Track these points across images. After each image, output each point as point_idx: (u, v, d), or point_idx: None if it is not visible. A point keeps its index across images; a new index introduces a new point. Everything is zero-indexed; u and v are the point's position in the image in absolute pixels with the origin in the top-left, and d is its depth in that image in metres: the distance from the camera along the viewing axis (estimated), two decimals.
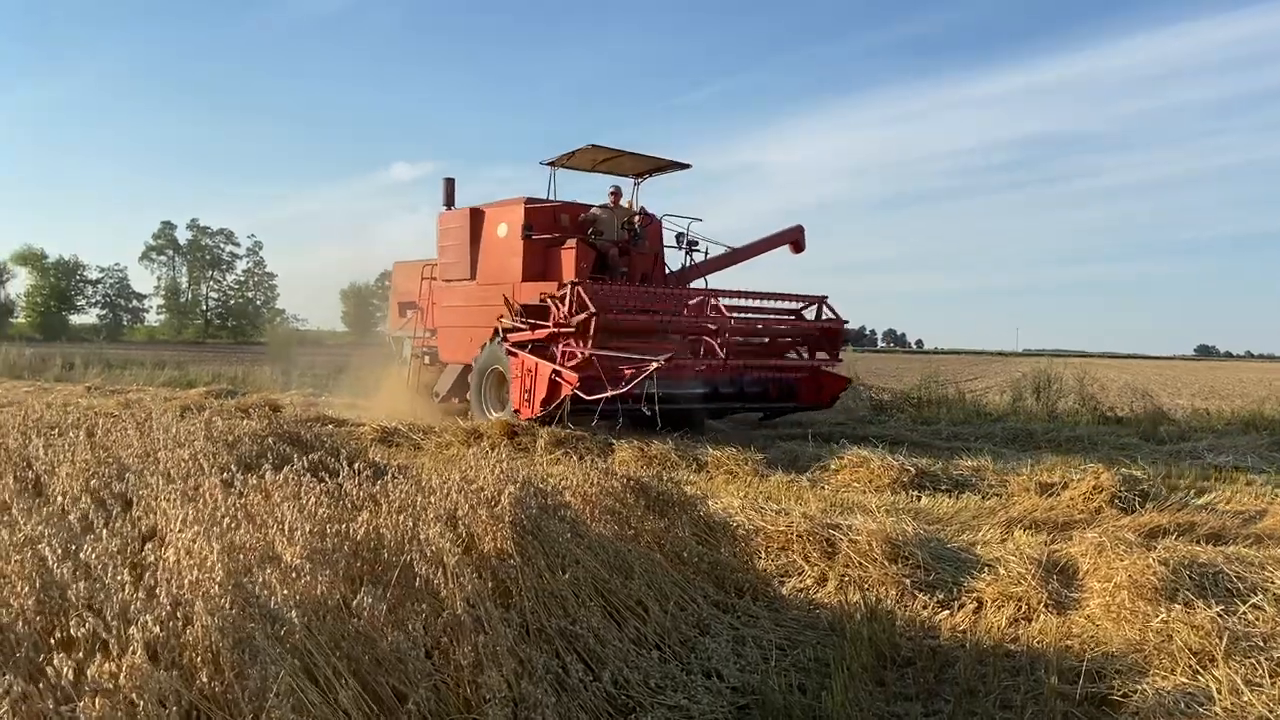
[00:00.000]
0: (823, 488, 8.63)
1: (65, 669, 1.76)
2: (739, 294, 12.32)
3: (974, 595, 5.16)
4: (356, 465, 3.76)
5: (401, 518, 2.89)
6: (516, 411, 11.28)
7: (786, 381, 12.65)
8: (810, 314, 12.75)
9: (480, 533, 3.07)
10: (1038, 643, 4.41)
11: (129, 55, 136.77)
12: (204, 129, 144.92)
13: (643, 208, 13.61)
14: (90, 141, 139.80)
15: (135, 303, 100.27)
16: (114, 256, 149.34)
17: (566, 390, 10.35)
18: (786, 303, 12.61)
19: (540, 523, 3.28)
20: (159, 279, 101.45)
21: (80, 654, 1.84)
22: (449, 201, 14.35)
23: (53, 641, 1.93)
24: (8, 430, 4.80)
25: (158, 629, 1.93)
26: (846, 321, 12.78)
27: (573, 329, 10.54)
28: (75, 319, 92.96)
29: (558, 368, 10.54)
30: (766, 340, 12.89)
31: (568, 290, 10.76)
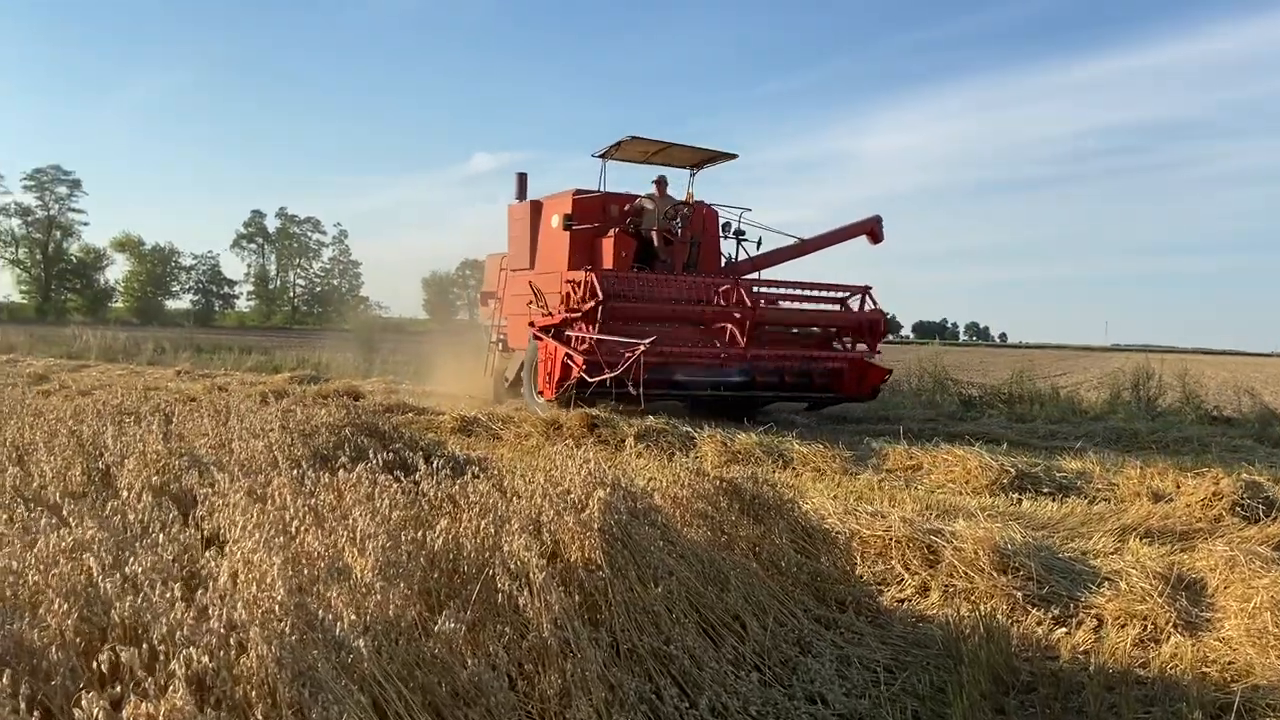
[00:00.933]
0: (916, 488, 8.22)
1: (95, 711, 1.55)
2: (775, 284, 12.54)
3: (1093, 612, 4.75)
4: (435, 461, 3.53)
5: (484, 522, 2.66)
6: (540, 393, 11.76)
7: (829, 371, 12.46)
8: (854, 306, 12.62)
9: (567, 540, 2.83)
10: (1171, 669, 4.00)
11: (226, 50, 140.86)
12: (295, 120, 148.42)
13: (690, 195, 13.66)
14: (187, 133, 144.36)
15: (226, 289, 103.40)
16: (207, 244, 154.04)
17: (575, 372, 10.70)
18: (831, 294, 12.65)
19: (630, 529, 3.02)
20: (249, 266, 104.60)
21: (119, 688, 1.63)
22: (520, 195, 14.66)
23: (95, 669, 1.73)
24: (85, 416, 4.72)
25: (206, 658, 1.72)
26: (889, 314, 12.61)
27: (581, 314, 10.89)
28: (170, 304, 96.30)
29: (569, 351, 10.91)
30: (815, 330, 12.91)
31: (580, 277, 11.09)
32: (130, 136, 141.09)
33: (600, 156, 13.40)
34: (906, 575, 5.23)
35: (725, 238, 13.78)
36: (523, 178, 14.76)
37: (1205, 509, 7.38)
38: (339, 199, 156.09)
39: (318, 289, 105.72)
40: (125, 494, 2.83)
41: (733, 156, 13.97)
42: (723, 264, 13.77)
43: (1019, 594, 4.88)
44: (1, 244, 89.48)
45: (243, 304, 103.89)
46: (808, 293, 12.54)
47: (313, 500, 2.73)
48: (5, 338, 28.28)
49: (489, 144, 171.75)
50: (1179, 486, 8.14)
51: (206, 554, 2.29)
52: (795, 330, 12.95)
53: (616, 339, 10.51)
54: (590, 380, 10.58)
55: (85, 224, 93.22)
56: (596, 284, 10.79)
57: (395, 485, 2.93)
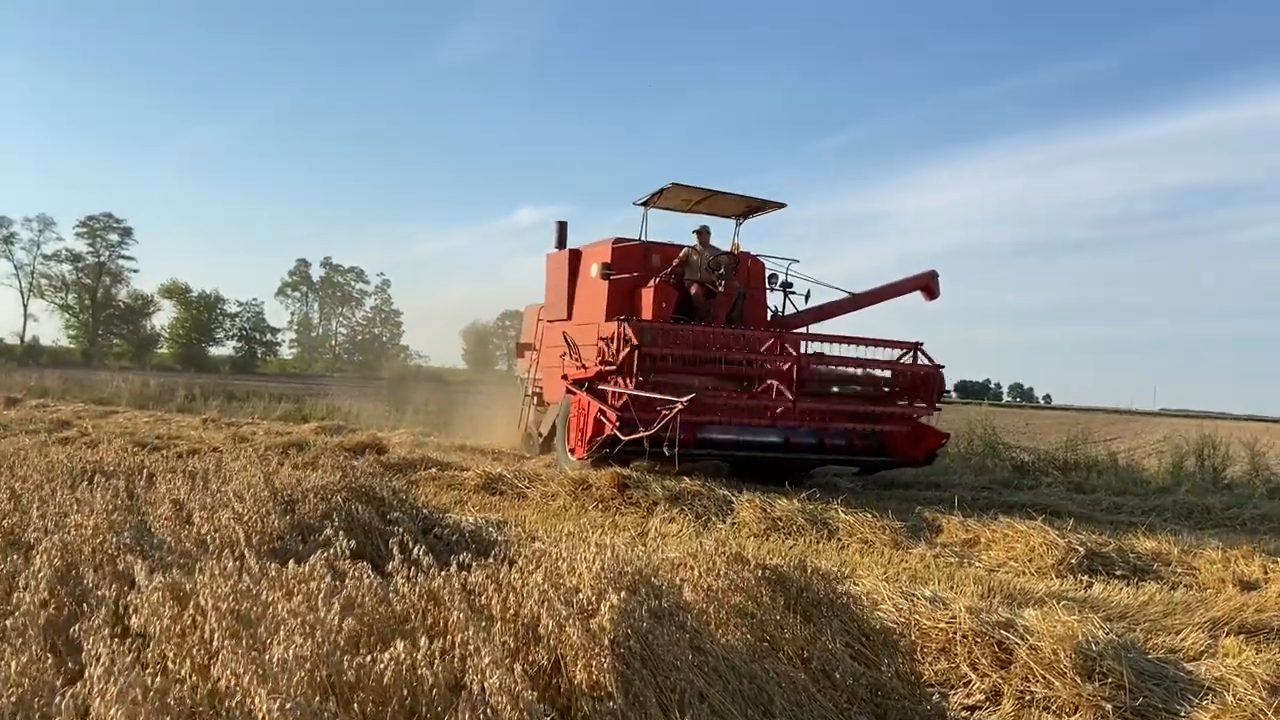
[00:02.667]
0: (974, 564, 7.53)
1: None
2: (822, 338, 11.84)
3: None
4: (418, 547, 2.96)
5: (460, 638, 2.09)
6: (572, 450, 11.22)
7: (874, 433, 11.57)
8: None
9: (570, 657, 2.26)
10: None
11: (277, 103, 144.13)
12: (342, 172, 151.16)
13: (735, 246, 13.17)
14: (236, 183, 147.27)
15: (269, 336, 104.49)
16: (252, 291, 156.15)
17: (609, 429, 10.17)
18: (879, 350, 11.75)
19: (651, 639, 2.44)
20: (292, 314, 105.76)
21: None
22: (560, 244, 14.22)
23: None
24: (55, 473, 4.24)
25: None
26: (943, 366, 11.59)
27: (616, 368, 10.39)
28: (213, 350, 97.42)
29: (603, 407, 10.40)
30: (867, 389, 12.10)
31: (614, 328, 10.59)
32: (181, 185, 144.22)
33: (642, 204, 12.94)
34: (974, 677, 4.56)
35: (772, 290, 13.22)
36: (562, 226, 14.36)
37: None
38: (384, 249, 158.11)
39: (359, 337, 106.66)
40: (23, 590, 2.30)
41: (781, 206, 13.46)
42: (769, 317, 13.20)
43: (1108, 705, 4.19)
44: (52, 289, 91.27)
45: (285, 351, 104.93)
46: (856, 349, 11.64)
47: (243, 607, 2.19)
48: (41, 382, 28.33)
49: (533, 198, 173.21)
50: (1267, 573, 7.41)
51: (65, 693, 1.75)
52: (844, 389, 12.20)
53: (652, 395, 9.96)
54: (624, 438, 10.00)
55: (135, 271, 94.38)
56: (632, 336, 10.23)
57: (362, 581, 2.39)
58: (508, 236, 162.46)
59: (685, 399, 9.48)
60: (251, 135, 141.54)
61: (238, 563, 2.52)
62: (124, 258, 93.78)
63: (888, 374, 11.81)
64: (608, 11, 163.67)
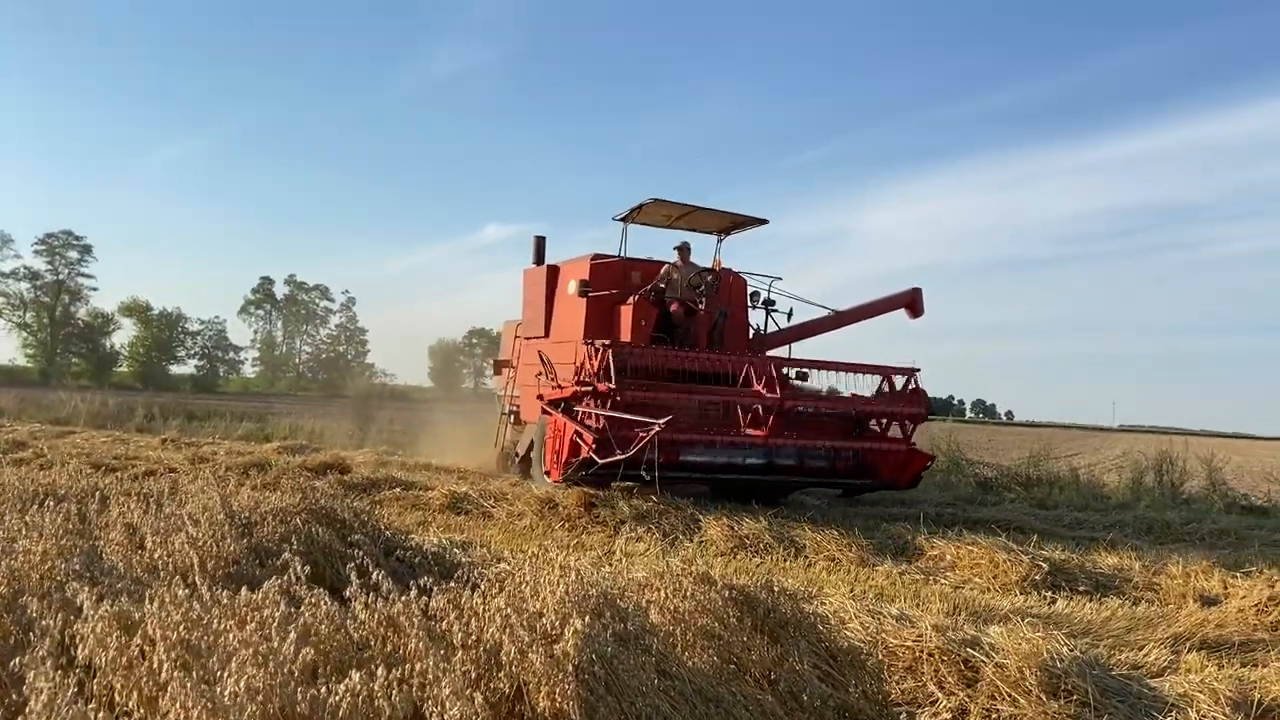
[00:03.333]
0: (940, 582, 7.55)
1: None
2: (810, 364, 11.43)
3: None
4: (393, 559, 2.90)
5: (420, 666, 2.04)
6: (547, 473, 10.90)
7: (856, 455, 11.36)
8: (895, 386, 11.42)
9: (533, 684, 2.21)
10: None
11: (240, 120, 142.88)
12: (307, 190, 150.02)
13: (717, 263, 12.92)
14: (199, 200, 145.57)
15: (232, 354, 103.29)
16: (214, 309, 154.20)
17: (585, 451, 9.80)
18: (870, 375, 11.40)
19: (616, 664, 2.40)
20: (255, 332, 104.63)
21: None
22: (539, 259, 13.81)
23: None
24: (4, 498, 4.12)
25: None
26: (925, 392, 11.43)
27: (591, 389, 10.07)
28: (175, 369, 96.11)
29: (579, 428, 10.02)
30: (848, 413, 11.65)
31: (590, 348, 10.28)
32: (142, 202, 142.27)
33: (621, 220, 12.64)
34: (941, 696, 4.53)
35: (754, 308, 12.97)
36: (540, 241, 13.94)
37: (1261, 615, 6.72)
38: (349, 267, 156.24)
39: (323, 356, 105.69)
40: None
41: (763, 222, 13.21)
42: (751, 336, 12.93)
43: None
44: (9, 307, 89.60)
45: (248, 370, 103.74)
46: (843, 373, 11.30)
47: (194, 636, 2.12)
48: None
49: (502, 215, 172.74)
50: (1227, 588, 7.49)
51: None
52: (828, 412, 11.75)
53: (629, 417, 9.63)
54: (600, 460, 9.65)
55: (94, 289, 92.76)
56: (610, 356, 9.95)
57: (319, 609, 2.32)
58: (476, 253, 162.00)
59: (663, 421, 9.14)
60: (216, 152, 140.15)
61: (189, 590, 2.44)
62: (83, 275, 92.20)
63: (876, 401, 11.37)
64: (578, 29, 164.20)
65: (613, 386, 9.78)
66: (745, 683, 2.98)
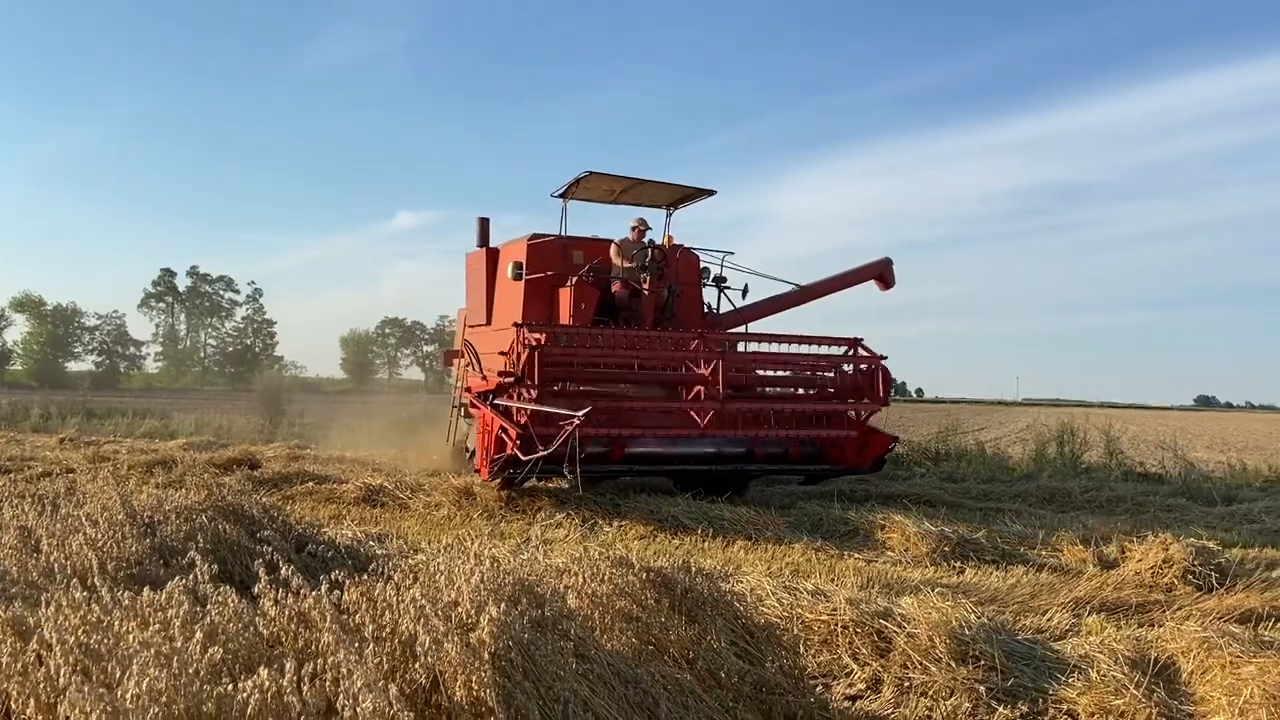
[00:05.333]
0: (854, 556, 7.71)
1: None
2: (751, 337, 11.07)
3: (1065, 708, 4.23)
4: (305, 554, 2.85)
5: (332, 660, 2.01)
6: (477, 471, 10.06)
7: (811, 440, 10.60)
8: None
9: (449, 674, 2.19)
10: None
11: (137, 107, 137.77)
12: (208, 178, 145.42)
13: (668, 239, 12.09)
14: (95, 190, 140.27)
15: (133, 350, 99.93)
16: (113, 304, 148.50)
17: (510, 448, 9.04)
18: (811, 346, 10.68)
19: (534, 649, 2.39)
20: (157, 326, 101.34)
21: None
22: (482, 242, 12.96)
23: None
24: None
25: None
26: (884, 357, 10.55)
27: (515, 379, 9.27)
28: (72, 366, 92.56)
29: (505, 423, 9.25)
30: (799, 391, 11.01)
31: (513, 334, 9.50)
32: (35, 193, 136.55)
33: (560, 196, 11.79)
34: (855, 667, 4.66)
35: (706, 285, 12.17)
36: (484, 223, 13.08)
37: (1156, 577, 7.03)
38: (255, 258, 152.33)
39: (230, 349, 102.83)
40: None
41: (711, 192, 12.46)
42: (704, 316, 12.11)
43: (982, 688, 4.34)
44: None
45: (150, 365, 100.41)
46: (789, 347, 10.62)
47: (94, 640, 2.05)
48: None
49: (412, 202, 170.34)
50: (1125, 552, 7.81)
51: None
52: (784, 391, 11.04)
53: (551, 410, 8.91)
54: (524, 459, 8.90)
55: None
56: (531, 342, 9.22)
57: (226, 608, 2.26)
58: (387, 241, 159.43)
59: (581, 413, 8.48)
60: (110, 140, 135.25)
61: (88, 593, 2.35)
62: None
63: (830, 374, 10.73)
64: (482, 14, 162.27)
65: (526, 376, 9.11)
66: (664, 663, 3.01)
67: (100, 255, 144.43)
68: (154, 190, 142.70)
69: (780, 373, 10.78)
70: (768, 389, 10.92)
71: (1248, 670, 4.10)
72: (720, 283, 12.06)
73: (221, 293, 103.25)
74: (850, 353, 10.63)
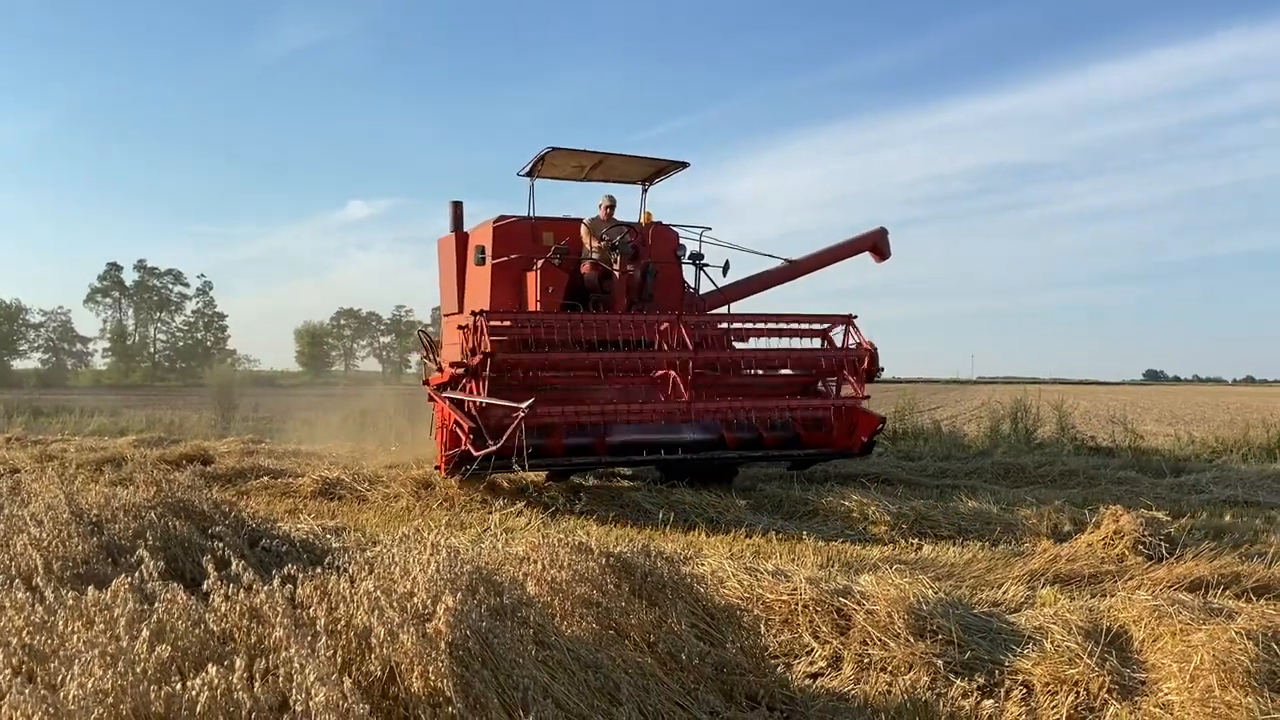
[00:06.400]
0: (814, 536, 7.77)
1: None
2: (731, 318, 10.62)
3: (1020, 679, 4.30)
4: (259, 549, 2.80)
5: (285, 655, 1.98)
6: (437, 468, 9.68)
7: (787, 424, 10.15)
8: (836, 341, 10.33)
9: (405, 665, 2.17)
10: None
11: (79, 98, 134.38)
12: (154, 169, 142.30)
13: (647, 216, 11.58)
14: (36, 184, 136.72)
15: (80, 346, 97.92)
16: (58, 299, 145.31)
17: (465, 442, 8.75)
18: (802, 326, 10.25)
19: (492, 638, 2.37)
20: (105, 321, 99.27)
21: None
22: (455, 226, 12.41)
23: None
24: None
25: None
26: (871, 344, 10.11)
27: (469, 370, 8.84)
28: (17, 364, 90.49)
29: (459, 417, 8.91)
30: (786, 373, 10.62)
31: (468, 321, 8.97)
32: None
33: (526, 174, 11.17)
34: (816, 645, 4.70)
35: (684, 263, 11.51)
36: (457, 206, 12.50)
37: (1108, 548, 7.16)
38: (203, 250, 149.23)
39: (181, 344, 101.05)
40: None
41: (684, 165, 11.73)
42: (686, 296, 11.51)
43: (939, 661, 4.40)
44: None
45: (99, 362, 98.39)
46: (771, 326, 10.18)
47: (37, 640, 1.99)
48: None
49: (365, 191, 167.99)
50: (1077, 524, 7.95)
51: None
52: (765, 372, 10.57)
53: (500, 402, 8.55)
54: (476, 453, 8.58)
55: None
56: (484, 330, 8.73)
57: (173, 606, 2.21)
58: (340, 231, 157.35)
59: (525, 405, 8.12)
60: (51, 132, 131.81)
61: (32, 593, 2.28)
62: None
63: (814, 353, 10.29)
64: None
65: (479, 367, 8.67)
66: (625, 647, 3.00)
67: (43, 251, 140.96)
68: (97, 183, 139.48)
69: (758, 347, 10.33)
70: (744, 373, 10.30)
71: (1197, 637, 4.18)
72: (697, 260, 11.50)
73: (170, 286, 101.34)
74: (845, 331, 10.21)
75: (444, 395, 9.54)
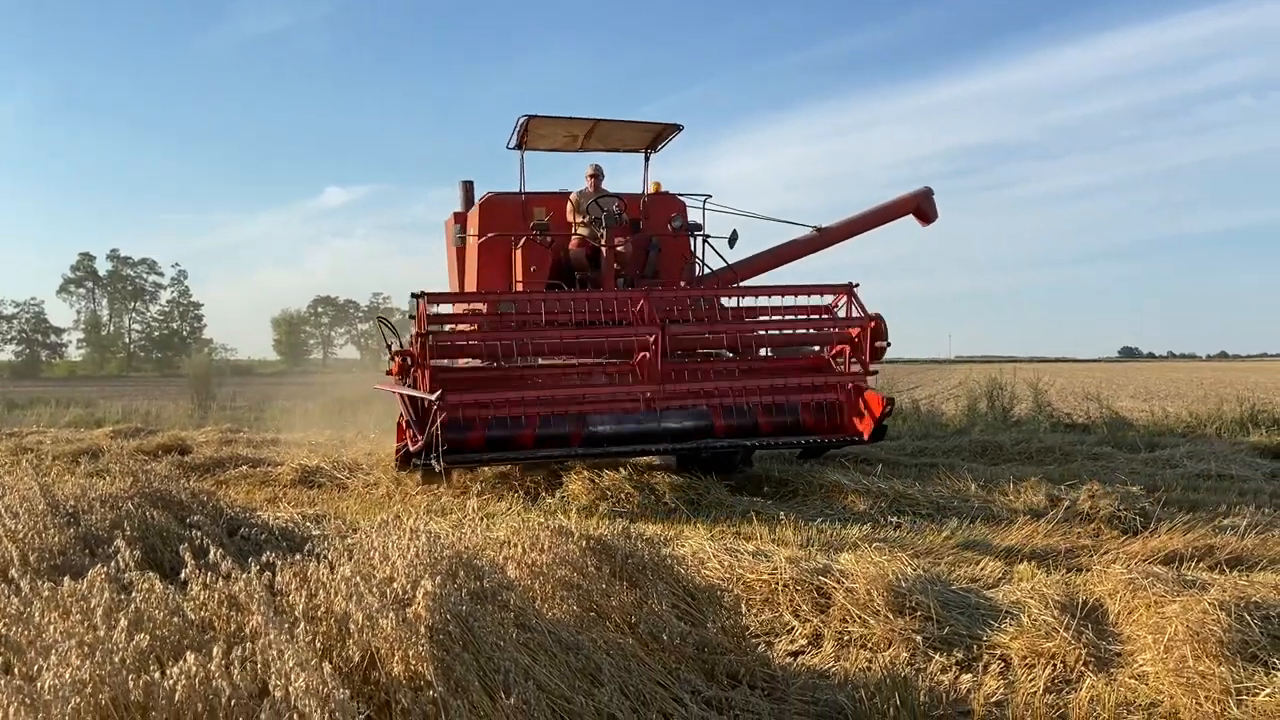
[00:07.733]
0: (794, 516, 7.81)
1: None
2: (717, 291, 9.87)
3: (998, 653, 4.36)
4: (238, 538, 2.79)
5: (263, 642, 1.97)
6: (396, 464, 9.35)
7: (787, 408, 9.20)
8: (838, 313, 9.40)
9: (385, 650, 2.17)
10: (1093, 718, 3.61)
11: (49, 84, 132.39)
12: (125, 157, 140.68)
13: (656, 186, 10.98)
14: (5, 172, 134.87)
15: (54, 338, 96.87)
16: (30, 290, 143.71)
17: (405, 437, 8.44)
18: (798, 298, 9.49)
19: (472, 621, 2.38)
20: (78, 312, 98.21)
21: None
22: (466, 206, 11.69)
23: None
24: None
25: None
26: (877, 315, 9.08)
27: (408, 358, 8.20)
28: None
29: (403, 409, 8.45)
30: (794, 350, 9.96)
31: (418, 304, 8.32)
32: None
33: (515, 147, 10.63)
34: (797, 624, 4.74)
35: (677, 234, 10.69)
36: (468, 186, 11.85)
37: (1084, 523, 7.24)
38: (178, 238, 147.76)
39: (156, 333, 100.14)
40: None
41: (678, 128, 10.97)
42: (696, 271, 10.81)
43: (918, 637, 4.45)
44: None
45: (73, 353, 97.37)
46: (763, 300, 9.47)
47: (15, 630, 1.99)
48: None
49: (341, 177, 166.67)
50: (1053, 501, 8.02)
51: None
52: (772, 352, 9.86)
53: (411, 392, 8.06)
54: (412, 448, 8.17)
55: None
56: (422, 313, 8.18)
57: (150, 595, 2.21)
58: (316, 219, 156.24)
59: (435, 395, 7.62)
60: (17, 120, 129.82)
61: (7, 584, 2.27)
62: None
63: (818, 324, 9.59)
64: None
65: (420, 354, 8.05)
66: (606, 628, 3.02)
67: (12, 242, 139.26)
68: (68, 172, 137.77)
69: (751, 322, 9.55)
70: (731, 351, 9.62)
71: (1171, 609, 4.24)
72: (694, 231, 10.75)
73: (145, 276, 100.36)
74: (847, 303, 9.32)
75: (380, 386, 9.08)
